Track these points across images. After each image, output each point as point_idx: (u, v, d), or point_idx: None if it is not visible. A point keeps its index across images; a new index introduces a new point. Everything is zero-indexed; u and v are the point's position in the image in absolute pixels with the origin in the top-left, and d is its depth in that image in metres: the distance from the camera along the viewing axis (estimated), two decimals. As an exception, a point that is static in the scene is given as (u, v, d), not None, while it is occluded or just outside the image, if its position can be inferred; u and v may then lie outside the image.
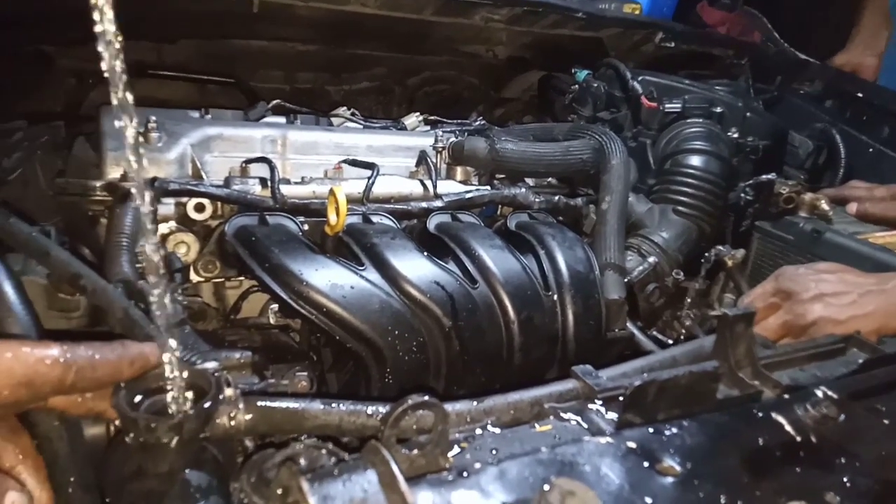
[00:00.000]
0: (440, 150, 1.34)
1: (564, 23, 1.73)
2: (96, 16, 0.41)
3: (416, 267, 0.96)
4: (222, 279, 1.11)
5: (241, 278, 1.11)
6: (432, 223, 1.14)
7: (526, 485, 0.45)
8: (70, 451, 0.56)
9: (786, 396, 0.61)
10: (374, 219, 1.11)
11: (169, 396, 0.52)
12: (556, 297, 1.04)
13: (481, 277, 1.00)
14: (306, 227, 1.08)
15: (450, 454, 0.49)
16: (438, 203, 1.20)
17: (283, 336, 1.10)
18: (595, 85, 1.55)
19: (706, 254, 1.22)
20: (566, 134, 1.37)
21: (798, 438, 0.55)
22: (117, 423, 0.59)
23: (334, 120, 1.48)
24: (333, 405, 0.58)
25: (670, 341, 1.19)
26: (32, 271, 0.87)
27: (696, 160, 1.32)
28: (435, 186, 1.24)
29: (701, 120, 1.38)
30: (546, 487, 0.41)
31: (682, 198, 1.30)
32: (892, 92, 1.65)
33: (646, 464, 0.49)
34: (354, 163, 1.25)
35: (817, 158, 1.56)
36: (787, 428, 0.56)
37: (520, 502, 0.43)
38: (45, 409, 0.52)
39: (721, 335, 0.67)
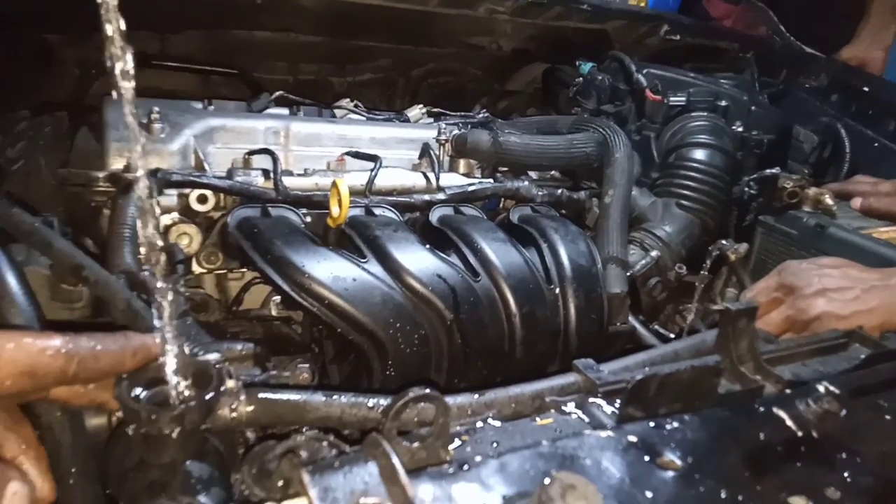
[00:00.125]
0: (443, 142, 1.33)
1: (569, 15, 1.72)
2: (100, 6, 0.41)
3: (418, 260, 0.96)
4: (225, 271, 1.11)
5: (244, 270, 1.11)
6: (435, 216, 1.14)
7: (527, 478, 0.45)
8: (72, 442, 0.56)
9: (788, 391, 0.61)
10: (377, 211, 1.11)
11: (171, 388, 0.52)
12: (558, 290, 1.04)
13: (483, 271, 1.00)
14: (309, 219, 1.07)
15: (451, 447, 0.49)
16: (441, 196, 1.20)
17: (284, 328, 1.10)
18: (599, 77, 1.54)
19: (709, 248, 1.22)
20: (570, 127, 1.37)
21: (799, 434, 0.55)
22: (119, 413, 0.59)
23: (337, 112, 1.48)
24: (335, 397, 0.58)
25: (672, 335, 1.19)
26: (35, 262, 0.87)
27: (700, 154, 1.32)
28: (438, 179, 1.24)
29: (705, 114, 1.38)
30: (547, 481, 0.41)
31: (686, 192, 1.29)
32: (899, 86, 1.64)
33: (647, 458, 0.49)
34: (357, 155, 1.25)
35: (822, 153, 1.55)
36: (789, 423, 0.56)
37: (520, 495, 0.43)
38: (48, 399, 0.52)
39: (723, 330, 0.67)
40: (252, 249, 0.94)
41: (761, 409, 0.57)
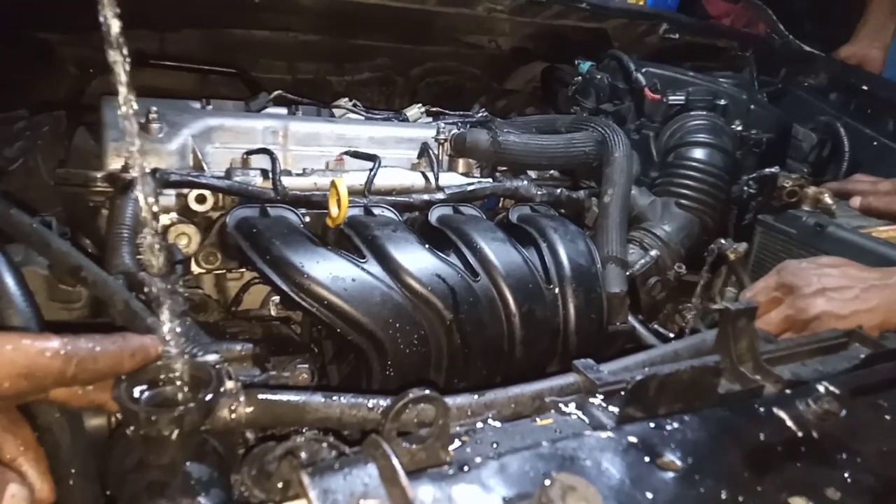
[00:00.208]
0: (442, 141, 1.33)
1: (568, 13, 1.72)
2: (99, 5, 0.41)
3: (417, 260, 0.96)
4: (223, 271, 1.11)
5: (243, 270, 1.11)
6: (434, 215, 1.14)
7: (527, 479, 0.45)
8: (71, 443, 0.56)
9: (787, 391, 0.61)
10: (376, 211, 1.11)
11: (170, 389, 0.52)
12: (557, 290, 1.04)
13: (483, 270, 1.00)
14: (308, 218, 1.07)
15: (450, 448, 0.49)
16: (440, 195, 1.19)
17: (284, 328, 1.10)
18: (598, 76, 1.54)
19: (709, 247, 1.22)
20: (569, 126, 1.37)
21: (799, 434, 0.55)
22: (118, 414, 0.59)
23: (336, 111, 1.47)
24: (334, 398, 0.58)
25: (672, 335, 1.19)
26: (33, 262, 0.87)
27: (699, 153, 1.32)
28: (437, 178, 1.24)
29: (704, 112, 1.38)
30: (547, 482, 0.41)
31: (685, 191, 1.29)
32: (898, 85, 1.64)
33: (647, 458, 0.49)
34: (356, 154, 1.25)
35: (821, 152, 1.55)
36: (789, 423, 0.56)
37: (520, 497, 0.43)
38: (46, 400, 0.52)
39: (723, 329, 0.67)
40: (251, 249, 0.94)
41: (761, 409, 0.57)
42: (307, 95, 1.47)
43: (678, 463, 0.49)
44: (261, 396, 0.56)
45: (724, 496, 0.47)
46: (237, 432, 0.59)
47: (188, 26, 1.61)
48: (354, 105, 1.49)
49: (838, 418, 0.57)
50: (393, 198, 1.16)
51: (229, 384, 0.54)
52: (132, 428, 0.49)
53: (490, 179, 1.31)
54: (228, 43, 1.67)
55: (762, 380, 0.64)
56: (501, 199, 1.31)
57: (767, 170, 1.33)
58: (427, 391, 0.47)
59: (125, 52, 0.43)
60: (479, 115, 1.54)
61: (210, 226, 1.08)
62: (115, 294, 0.67)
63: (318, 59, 1.80)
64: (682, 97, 1.39)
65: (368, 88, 1.87)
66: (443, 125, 1.36)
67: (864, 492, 0.50)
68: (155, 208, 0.49)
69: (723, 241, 1.21)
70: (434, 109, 1.55)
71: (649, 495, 0.46)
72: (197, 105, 1.30)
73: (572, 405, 0.58)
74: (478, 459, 0.46)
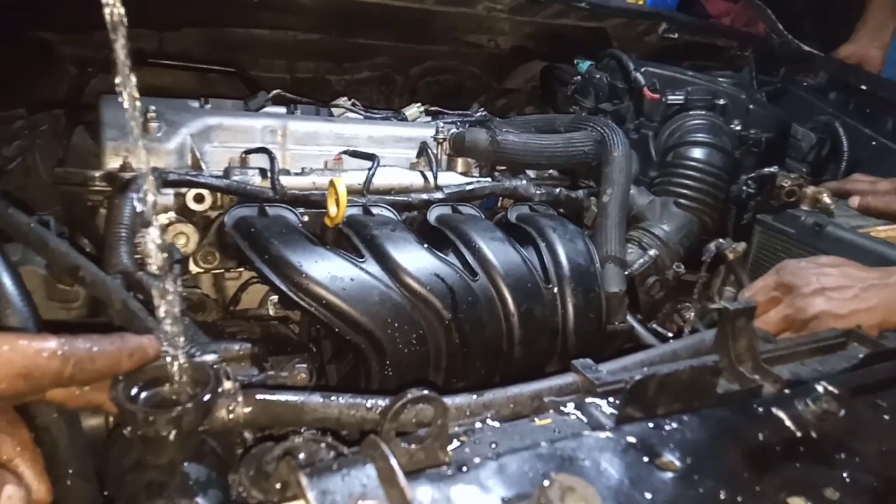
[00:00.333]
0: (441, 141, 1.33)
1: (567, 13, 1.71)
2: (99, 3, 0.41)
3: (416, 259, 0.96)
4: (222, 270, 1.10)
5: (241, 269, 1.11)
6: (433, 215, 1.14)
7: (525, 479, 0.45)
8: (69, 443, 0.56)
9: (786, 391, 0.61)
10: (375, 210, 1.10)
11: (168, 389, 0.52)
12: (556, 289, 1.04)
13: (481, 270, 1.00)
14: (306, 218, 1.07)
15: (449, 448, 0.49)
16: (439, 195, 1.19)
17: (282, 328, 1.10)
18: (598, 76, 1.54)
19: (708, 246, 1.22)
20: (568, 125, 1.37)
21: (798, 434, 0.55)
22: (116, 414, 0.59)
23: (335, 110, 1.47)
24: (333, 398, 0.58)
25: (670, 334, 1.19)
26: (31, 261, 0.87)
27: (698, 152, 1.31)
28: (436, 178, 1.23)
29: (704, 112, 1.37)
30: (546, 483, 0.40)
31: (684, 190, 1.29)
32: (897, 84, 1.64)
33: (646, 459, 0.49)
34: (355, 154, 1.24)
35: (820, 151, 1.55)
36: (788, 423, 0.56)
37: (519, 497, 0.43)
38: (44, 401, 0.52)
39: (722, 329, 0.67)
40: (249, 249, 0.94)
41: (760, 409, 0.57)
42: (306, 94, 1.47)
43: (677, 463, 0.49)
44: (259, 396, 0.56)
45: (722, 496, 0.47)
46: (235, 432, 0.59)
47: (187, 25, 1.61)
48: (353, 104, 1.49)
49: (837, 418, 0.57)
50: (391, 197, 1.16)
51: (227, 384, 0.54)
52: (130, 428, 0.49)
53: (489, 179, 1.31)
54: (227, 42, 1.67)
55: (761, 379, 0.64)
56: (500, 198, 1.31)
57: (766, 169, 1.33)
58: (426, 391, 0.47)
59: (126, 51, 0.43)
60: (478, 114, 1.54)
61: (208, 225, 1.08)
62: (113, 294, 0.67)
63: (318, 58, 1.80)
64: (681, 97, 1.39)
65: (368, 87, 1.87)
66: (442, 124, 1.36)
67: (863, 492, 0.50)
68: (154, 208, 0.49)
69: (722, 240, 1.21)
70: (433, 109, 1.55)
71: (648, 495, 0.46)
72: (195, 104, 1.30)
73: (571, 405, 0.58)
74: (476, 460, 0.46)
